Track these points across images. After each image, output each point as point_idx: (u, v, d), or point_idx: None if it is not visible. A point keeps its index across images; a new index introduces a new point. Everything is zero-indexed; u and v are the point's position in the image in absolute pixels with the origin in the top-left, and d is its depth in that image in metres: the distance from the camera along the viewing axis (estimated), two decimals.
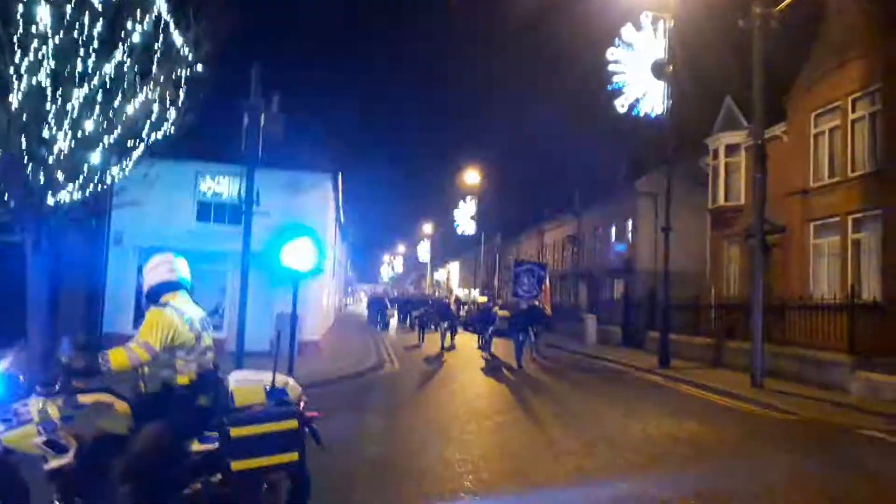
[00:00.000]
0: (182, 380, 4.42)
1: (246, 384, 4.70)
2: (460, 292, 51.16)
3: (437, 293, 61.89)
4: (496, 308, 22.65)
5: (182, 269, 4.74)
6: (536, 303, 20.13)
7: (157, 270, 4.66)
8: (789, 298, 17.04)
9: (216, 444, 4.39)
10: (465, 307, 34.25)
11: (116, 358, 4.23)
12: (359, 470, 7.37)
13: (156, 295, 4.60)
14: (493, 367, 18.04)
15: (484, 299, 28.66)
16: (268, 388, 4.70)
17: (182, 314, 4.49)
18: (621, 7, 24.83)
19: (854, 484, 7.38)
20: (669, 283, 19.33)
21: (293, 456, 4.42)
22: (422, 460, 7.88)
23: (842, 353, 14.07)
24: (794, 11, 16.13)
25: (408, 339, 27.49)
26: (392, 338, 28.90)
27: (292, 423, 4.47)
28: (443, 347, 22.16)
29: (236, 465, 4.28)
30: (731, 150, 23.19)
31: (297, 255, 8.58)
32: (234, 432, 4.31)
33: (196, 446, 4.41)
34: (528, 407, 12.03)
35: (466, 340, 25.17)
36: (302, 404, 4.79)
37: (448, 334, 22.74)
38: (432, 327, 26.99)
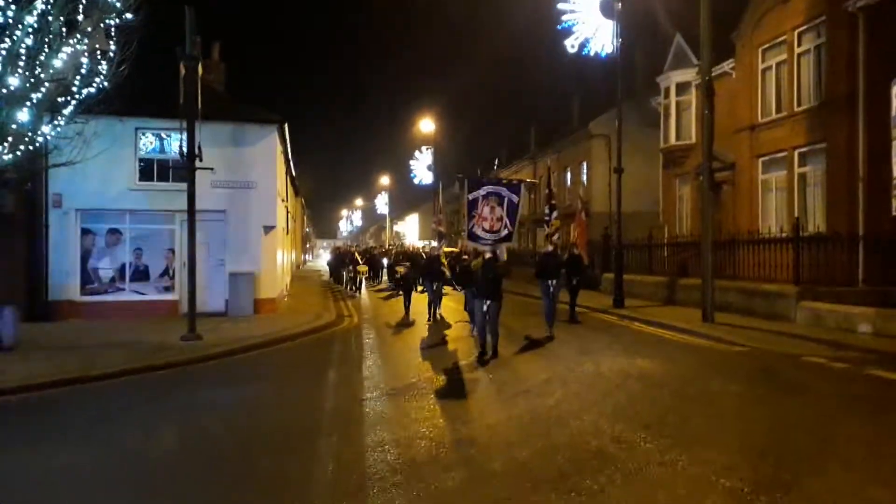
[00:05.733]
0: None
1: None
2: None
3: (403, 246, 60.86)
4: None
5: None
6: (575, 250, 15.82)
7: None
8: (739, 234, 17.37)
9: None
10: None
11: None
12: (319, 423, 7.36)
13: None
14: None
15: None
16: None
17: None
18: None
19: (797, 407, 7.63)
20: (624, 224, 19.52)
21: None
22: (376, 410, 7.88)
23: (788, 284, 14.47)
24: None
25: (389, 308, 20.40)
26: (367, 310, 20.29)
27: None
28: (432, 318, 16.80)
29: None
30: (682, 88, 23.27)
31: None
32: None
33: None
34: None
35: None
36: None
37: (434, 302, 17.06)
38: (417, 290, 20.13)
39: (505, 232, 13.33)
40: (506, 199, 13.52)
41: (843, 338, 11.89)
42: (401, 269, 19.16)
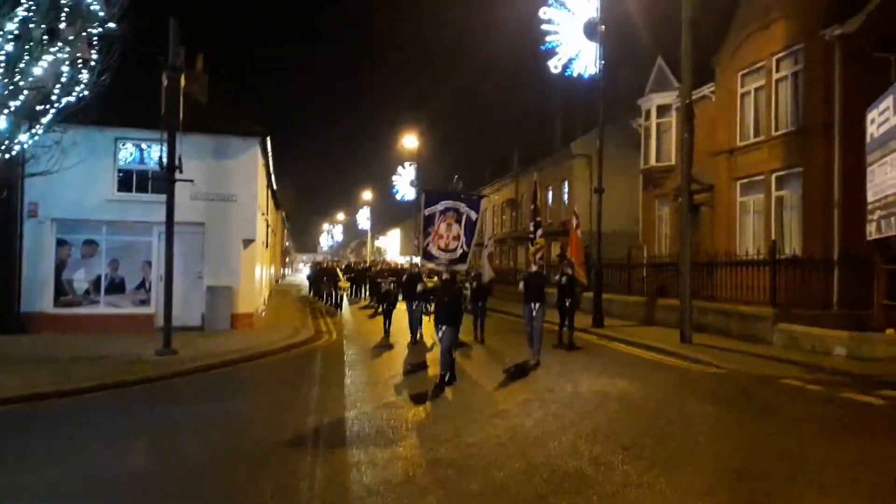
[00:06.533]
0: None
1: None
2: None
3: (385, 262, 60.45)
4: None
5: None
6: (569, 270, 14.26)
7: None
8: (717, 255, 17.55)
9: None
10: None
11: None
12: (295, 442, 7.26)
13: None
14: None
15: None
16: None
17: None
18: None
19: (773, 429, 7.67)
20: (604, 244, 19.62)
21: None
22: (352, 429, 7.79)
23: (765, 306, 14.60)
24: None
25: (369, 326, 19.31)
26: (347, 327, 19.74)
27: None
28: (415, 341, 15.57)
29: None
30: (663, 110, 23.57)
31: None
32: None
33: None
34: (461, 371, 12.01)
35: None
36: None
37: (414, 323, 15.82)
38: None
39: (460, 252, 12.45)
40: (464, 216, 12.62)
41: (818, 360, 12.01)
42: (385, 284, 18.69)
